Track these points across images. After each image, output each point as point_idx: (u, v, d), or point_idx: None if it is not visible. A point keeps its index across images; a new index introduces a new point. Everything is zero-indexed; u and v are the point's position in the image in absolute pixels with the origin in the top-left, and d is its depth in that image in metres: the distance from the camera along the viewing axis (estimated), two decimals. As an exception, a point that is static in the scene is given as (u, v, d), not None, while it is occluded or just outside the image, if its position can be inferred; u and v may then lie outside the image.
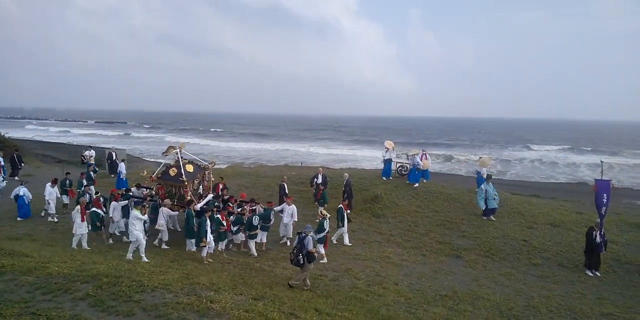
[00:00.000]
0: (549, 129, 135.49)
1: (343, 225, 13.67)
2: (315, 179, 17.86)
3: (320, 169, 18.97)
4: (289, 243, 13.81)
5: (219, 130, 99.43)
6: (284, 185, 16.99)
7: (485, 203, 15.55)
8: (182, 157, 14.29)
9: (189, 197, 13.40)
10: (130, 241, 11.33)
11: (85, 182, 17.53)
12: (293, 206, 14.03)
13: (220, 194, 15.04)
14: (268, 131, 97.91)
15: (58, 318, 5.47)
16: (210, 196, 14.11)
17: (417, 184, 18.59)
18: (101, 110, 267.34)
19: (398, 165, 20.13)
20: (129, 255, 10.89)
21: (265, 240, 13.42)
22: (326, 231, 12.00)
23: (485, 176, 18.53)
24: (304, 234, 9.73)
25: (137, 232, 11.11)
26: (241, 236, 13.13)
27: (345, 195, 16.76)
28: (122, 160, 22.21)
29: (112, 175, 23.01)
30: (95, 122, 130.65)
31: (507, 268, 12.61)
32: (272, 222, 13.47)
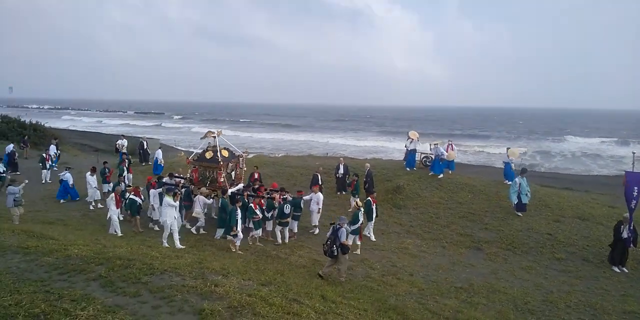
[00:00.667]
0: (594, 119, 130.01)
1: (371, 219, 13.41)
2: (338, 169, 17.94)
3: (342, 159, 18.99)
4: (316, 231, 13.97)
5: (248, 120, 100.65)
6: (317, 175, 17.00)
7: (518, 197, 14.96)
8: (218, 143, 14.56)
9: (222, 180, 13.71)
10: (165, 228, 11.44)
11: (125, 169, 18.41)
12: (320, 194, 14.13)
13: (252, 183, 15.34)
14: (298, 122, 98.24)
15: (69, 296, 5.75)
16: (240, 185, 14.50)
17: (441, 175, 18.32)
18: (140, 101, 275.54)
19: (422, 156, 19.86)
20: (165, 243, 11.08)
21: (296, 230, 13.55)
22: (360, 222, 11.89)
23: (514, 167, 18.11)
24: (338, 226, 9.62)
25: (170, 219, 11.27)
26: (269, 225, 13.25)
27: (367, 185, 16.71)
28: (159, 148, 23.09)
29: (144, 164, 23.80)
30: (135, 112, 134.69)
31: (529, 262, 12.31)
32: (302, 211, 13.54)
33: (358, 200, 11.99)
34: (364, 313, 7.12)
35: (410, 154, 19.40)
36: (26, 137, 26.07)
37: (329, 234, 9.88)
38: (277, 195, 13.54)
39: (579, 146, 54.22)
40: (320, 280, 9.25)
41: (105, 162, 18.73)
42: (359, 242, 12.11)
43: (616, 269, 11.80)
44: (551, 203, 16.01)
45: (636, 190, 12.24)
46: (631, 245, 11.93)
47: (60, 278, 6.56)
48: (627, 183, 12.36)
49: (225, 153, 14.47)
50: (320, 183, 16.40)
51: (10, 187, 13.24)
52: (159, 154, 21.69)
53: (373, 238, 13.55)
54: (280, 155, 26.87)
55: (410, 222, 15.08)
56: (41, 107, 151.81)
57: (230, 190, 13.50)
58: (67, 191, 17.14)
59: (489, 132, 76.02)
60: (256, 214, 12.34)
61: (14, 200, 12.89)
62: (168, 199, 11.45)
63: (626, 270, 11.77)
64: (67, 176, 17.13)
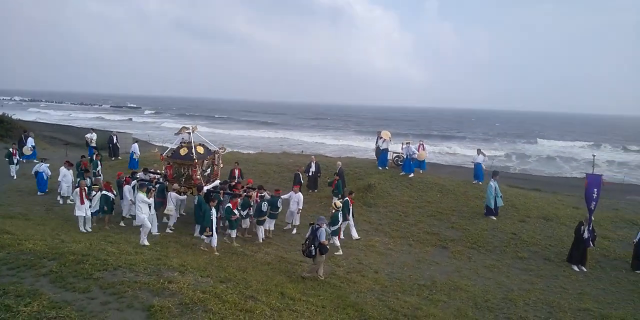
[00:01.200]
0: (570, 123, 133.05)
1: (348, 219, 13.18)
2: (309, 167, 17.94)
3: (314, 157, 18.98)
4: (294, 231, 13.82)
5: (224, 116, 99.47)
6: (298, 174, 16.85)
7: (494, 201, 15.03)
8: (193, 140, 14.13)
9: (198, 177, 13.41)
10: (143, 226, 10.97)
11: (99, 163, 17.91)
12: (300, 194, 13.96)
13: (228, 180, 15.04)
14: (276, 119, 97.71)
15: (14, 292, 5.59)
16: (217, 182, 14.16)
17: (412, 175, 18.49)
18: (117, 95, 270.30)
19: (394, 155, 20.02)
20: (143, 241, 10.64)
21: (272, 228, 13.36)
22: (340, 223, 11.86)
23: (484, 168, 18.43)
24: (317, 226, 9.55)
25: (143, 215, 10.99)
26: (246, 222, 13.04)
27: (329, 180, 16.80)
28: (136, 141, 22.78)
29: (113, 158, 23.35)
30: (110, 106, 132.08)
31: (492, 260, 12.52)
32: (279, 210, 13.33)
33: (337, 201, 11.85)
34: (322, 310, 7.13)
35: (382, 153, 19.51)
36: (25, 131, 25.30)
37: (307, 234, 9.79)
38: (254, 193, 13.31)
39: (552, 149, 55.40)
40: (282, 278, 9.21)
41: (83, 156, 18.15)
42: (338, 243, 12.00)
43: (575, 268, 12.10)
44: (518, 203, 16.32)
45: (595, 192, 12.58)
46: (590, 244, 12.27)
47: (8, 273, 6.38)
48: (587, 185, 12.69)
49: (201, 149, 14.09)
50: (301, 182, 16.29)
51: None
52: (135, 148, 21.40)
53: (355, 235, 13.47)
54: (254, 152, 26.67)
55: (379, 220, 15.18)
56: (11, 98, 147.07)
57: (206, 188, 13.18)
58: (41, 183, 16.70)
59: (465, 133, 77.18)
60: (234, 214, 12.03)
61: None
62: (141, 195, 11.15)
63: (585, 270, 12.08)
64: (44, 168, 16.81)
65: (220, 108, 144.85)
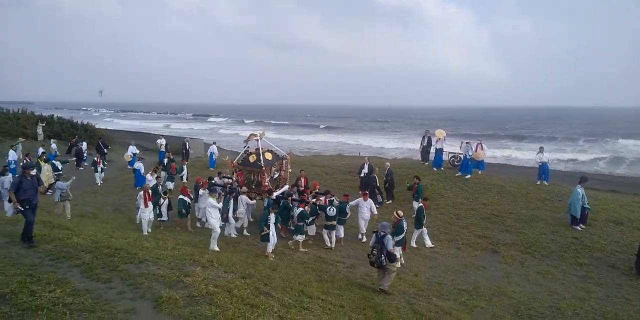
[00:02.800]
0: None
1: (420, 226, 12.77)
2: (362, 168, 17.77)
3: (367, 158, 18.79)
4: (364, 239, 13.26)
5: (286, 123, 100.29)
6: (374, 177, 16.28)
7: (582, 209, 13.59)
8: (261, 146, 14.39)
9: (266, 184, 13.62)
10: (213, 230, 10.95)
11: (185, 168, 19.22)
12: (370, 200, 13.39)
13: (297, 184, 14.97)
14: (344, 124, 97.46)
15: (46, 279, 6.12)
16: (286, 187, 14.31)
17: (469, 176, 17.72)
18: (195, 104, 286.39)
19: (450, 155, 19.29)
20: (213, 246, 10.63)
21: (342, 235, 12.88)
22: (404, 233, 10.99)
23: (550, 167, 17.29)
24: (382, 233, 8.99)
25: (214, 220, 10.94)
26: (313, 229, 12.95)
27: (387, 185, 16.49)
28: (214, 143, 25.31)
29: (180, 163, 24.76)
30: (193, 115, 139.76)
31: (547, 266, 11.63)
32: (347, 216, 12.93)
33: (399, 211, 11.09)
34: (339, 309, 7.04)
35: (437, 153, 18.88)
36: (76, 136, 27.83)
37: (372, 242, 9.22)
38: (322, 199, 13.22)
39: (631, 149, 49.73)
40: (311, 276, 9.20)
41: (172, 161, 19.34)
42: (398, 255, 10.77)
43: (645, 279, 10.89)
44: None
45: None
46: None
47: (48, 264, 6.98)
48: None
49: (269, 156, 14.27)
50: (377, 185, 16.04)
51: (58, 182, 13.76)
52: (214, 148, 23.68)
53: (430, 244, 12.88)
54: (308, 155, 26.98)
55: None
56: (95, 110, 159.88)
57: (275, 193, 13.31)
58: (139, 178, 18.52)
59: (542, 133, 72.22)
60: (307, 218, 12.08)
61: (60, 195, 13.33)
62: (211, 200, 11.07)
63: (656, 279, 10.85)
64: (139, 165, 19.28)
65: (288, 114, 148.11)
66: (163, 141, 25.06)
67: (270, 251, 10.80)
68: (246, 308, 5.82)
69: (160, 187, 14.63)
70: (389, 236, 9.01)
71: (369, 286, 9.28)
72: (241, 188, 13.52)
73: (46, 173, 18.22)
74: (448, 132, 21.08)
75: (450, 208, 15.51)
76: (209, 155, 23.85)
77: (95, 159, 21.16)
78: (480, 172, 18.27)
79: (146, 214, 12.64)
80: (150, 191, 13.26)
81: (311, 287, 8.04)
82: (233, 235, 12.98)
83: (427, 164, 19.74)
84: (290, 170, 15.44)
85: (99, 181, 20.58)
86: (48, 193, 15.04)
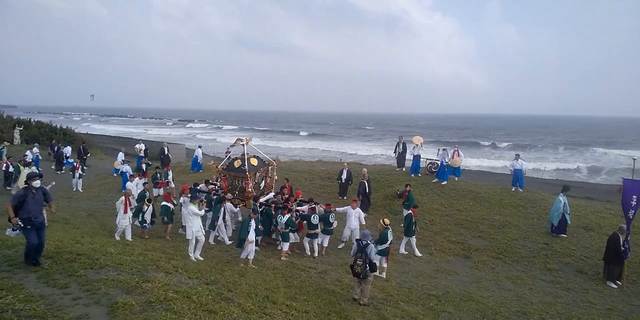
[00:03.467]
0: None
1: (411, 234, 12.66)
2: (341, 174, 17.78)
3: (346, 164, 18.85)
4: (341, 246, 13.11)
5: (269, 129, 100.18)
6: (364, 183, 15.93)
7: (563, 217, 13.65)
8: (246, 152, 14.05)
9: (250, 190, 13.33)
10: (191, 239, 10.50)
11: (170, 174, 18.59)
12: (359, 210, 13.03)
13: (281, 193, 14.52)
14: (328, 130, 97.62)
15: (0, 285, 6.00)
16: (271, 194, 13.98)
17: (445, 182, 17.88)
18: (181, 110, 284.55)
19: (428, 162, 19.46)
20: (192, 256, 10.30)
21: (326, 244, 12.60)
22: (389, 242, 10.65)
23: (525, 174, 17.56)
24: (364, 242, 8.68)
25: (195, 229, 10.49)
26: (295, 236, 12.58)
27: (367, 190, 16.54)
28: (199, 147, 25.16)
29: (165, 168, 24.45)
30: (179, 120, 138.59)
31: (517, 271, 11.77)
32: (333, 226, 12.59)
33: (386, 219, 10.82)
34: (302, 315, 7.02)
35: (415, 160, 19.03)
36: (54, 140, 27.42)
37: (354, 252, 8.85)
38: (306, 208, 13.04)
39: (611, 158, 50.75)
40: (280, 282, 9.18)
41: (157, 168, 18.70)
42: (385, 265, 10.86)
43: (612, 285, 11.05)
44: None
45: (635, 199, 11.49)
46: (626, 257, 11.20)
47: (6, 269, 6.85)
48: (624, 191, 11.63)
49: (254, 161, 13.98)
50: (367, 192, 15.71)
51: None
52: (199, 152, 23.69)
53: (418, 253, 12.73)
54: (288, 161, 26.96)
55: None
56: (78, 114, 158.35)
57: (261, 199, 13.10)
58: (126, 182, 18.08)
59: (524, 141, 73.38)
60: (294, 225, 11.95)
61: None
62: (192, 208, 10.62)
63: (621, 284, 11.04)
64: (127, 168, 19.67)
65: (274, 120, 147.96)
66: (142, 146, 24.79)
67: (251, 258, 10.48)
68: (204, 314, 5.77)
69: (147, 194, 14.11)
70: (372, 245, 8.73)
71: (337, 291, 9.26)
72: (225, 195, 13.20)
73: (24, 178, 17.83)
74: (429, 139, 21.31)
75: (425, 214, 15.57)
76: (193, 158, 23.97)
77: (75, 164, 20.76)
78: (457, 179, 18.43)
79: (126, 220, 12.16)
80: (130, 198, 12.71)
81: (278, 293, 8.01)
82: (211, 243, 12.61)
83: (404, 169, 19.86)
84: (276, 177, 15.18)
85: (76, 187, 20.07)
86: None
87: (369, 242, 8.72)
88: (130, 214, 12.38)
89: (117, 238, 12.06)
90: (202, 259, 10.40)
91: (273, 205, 12.76)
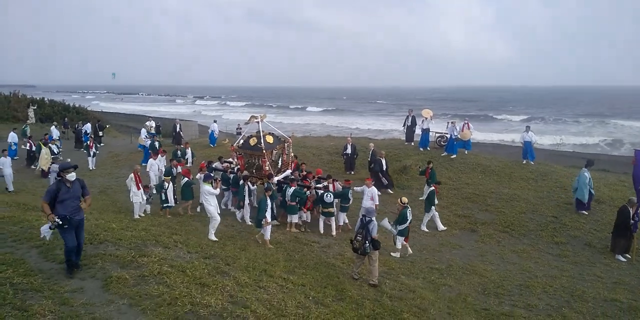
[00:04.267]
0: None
1: (430, 210, 12.54)
2: (345, 149, 17.66)
3: (349, 138, 18.65)
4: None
5: (292, 105, 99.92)
6: (380, 160, 15.43)
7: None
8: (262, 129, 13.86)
9: (267, 168, 13.26)
10: (211, 218, 10.31)
11: (189, 151, 18.50)
12: (374, 188, 12.44)
13: (300, 169, 14.42)
14: (337, 105, 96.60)
15: (2, 260, 6.15)
16: (288, 171, 13.83)
17: (454, 155, 17.64)
18: (198, 86, 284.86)
19: (437, 135, 19.17)
20: (211, 236, 10.09)
21: (342, 223, 12.46)
22: (409, 222, 10.39)
23: (534, 144, 17.16)
24: (367, 218, 8.50)
25: (212, 207, 10.28)
26: (306, 216, 12.60)
27: (372, 165, 16.41)
28: (215, 121, 25.58)
29: (184, 146, 24.45)
30: (194, 96, 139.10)
31: (524, 245, 11.67)
32: (350, 202, 12.43)
33: (404, 197, 10.45)
34: (298, 288, 7.06)
35: (424, 133, 18.75)
36: (66, 119, 27.75)
37: (357, 227, 8.69)
38: (329, 183, 12.85)
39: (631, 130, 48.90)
40: (281, 255, 9.23)
41: (179, 145, 18.53)
42: (406, 243, 10.70)
43: (621, 258, 10.87)
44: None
45: (647, 171, 11.18)
46: (636, 229, 10.97)
47: (10, 245, 7.00)
48: (636, 163, 11.30)
49: (270, 139, 13.73)
50: (383, 169, 15.27)
51: (53, 165, 13.18)
52: (215, 127, 24.03)
53: (442, 227, 12.68)
54: (299, 136, 26.86)
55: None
56: (89, 92, 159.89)
57: (277, 178, 12.96)
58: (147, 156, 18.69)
59: (540, 114, 71.70)
60: (302, 197, 11.81)
61: (55, 178, 12.97)
62: (207, 187, 10.37)
63: (630, 257, 10.86)
64: (148, 143, 20.57)
65: (286, 95, 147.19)
66: (152, 123, 24.95)
67: (267, 238, 10.33)
68: (196, 287, 5.84)
69: (174, 170, 14.13)
70: (375, 222, 8.50)
71: (338, 265, 9.28)
72: (242, 173, 13.07)
73: (44, 157, 18.18)
74: (442, 111, 20.87)
75: (433, 188, 15.44)
76: (209, 133, 24.20)
77: (88, 142, 20.92)
78: (466, 152, 18.16)
79: (138, 196, 12.05)
80: (139, 174, 12.55)
81: (277, 266, 8.07)
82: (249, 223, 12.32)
83: (412, 144, 19.61)
84: (292, 154, 14.94)
85: (91, 165, 20.19)
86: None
87: (372, 218, 8.51)
88: (142, 190, 12.15)
89: (137, 216, 11.92)
90: (216, 239, 10.01)
91: (291, 183, 12.33)
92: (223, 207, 13.80)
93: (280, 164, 14.26)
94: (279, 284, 6.98)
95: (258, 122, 13.90)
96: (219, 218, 10.36)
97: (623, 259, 10.84)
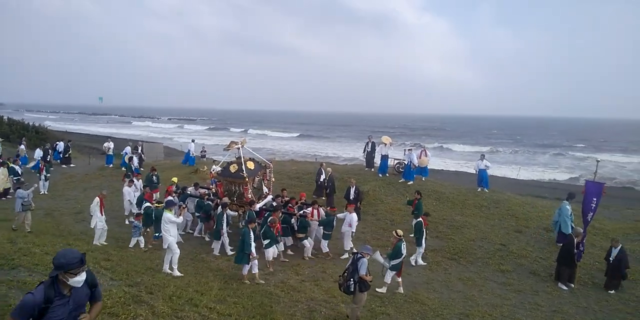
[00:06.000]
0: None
1: (420, 244, 11.84)
2: (321, 175, 17.00)
3: (324, 164, 18.37)
4: (345, 255, 12.14)
5: (260, 127, 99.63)
6: (350, 188, 15.03)
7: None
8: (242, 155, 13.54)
9: (249, 195, 12.82)
10: (168, 249, 9.59)
11: (155, 177, 17.06)
12: (354, 215, 12.28)
13: (282, 195, 13.91)
14: (312, 131, 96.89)
15: None
16: (270, 197, 13.39)
17: (411, 182, 17.74)
18: (169, 108, 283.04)
19: (395, 162, 19.33)
20: (165, 268, 9.43)
21: (325, 250, 12.25)
22: (403, 256, 9.84)
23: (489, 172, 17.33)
24: (359, 255, 8.00)
25: (172, 238, 9.57)
26: (289, 240, 12.33)
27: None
28: (193, 141, 26.18)
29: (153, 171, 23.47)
30: (168, 119, 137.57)
31: (470, 273, 11.62)
32: (332, 229, 12.29)
33: (399, 230, 9.95)
34: (224, 318, 6.78)
35: (383, 159, 18.86)
36: (23, 138, 26.89)
37: (348, 264, 8.17)
38: (309, 211, 12.52)
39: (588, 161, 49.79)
40: (218, 283, 8.92)
41: (153, 169, 17.30)
42: (399, 279, 10.12)
43: (563, 287, 10.93)
44: (519, 212, 15.22)
45: (594, 202, 11.42)
46: (579, 259, 11.11)
47: None
48: (585, 193, 11.54)
49: (251, 165, 13.47)
50: (355, 198, 14.69)
51: (19, 190, 12.42)
52: (191, 146, 24.42)
53: (419, 262, 12.00)
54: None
55: (364, 228, 14.52)
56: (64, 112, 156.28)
57: (258, 205, 12.46)
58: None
59: (506, 143, 73.74)
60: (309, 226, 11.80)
61: (22, 204, 12.16)
62: (169, 215, 9.71)
63: (573, 286, 10.94)
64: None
65: (260, 119, 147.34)
66: (111, 144, 24.37)
67: (255, 271, 9.80)
68: (104, 317, 5.51)
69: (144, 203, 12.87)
70: (365, 260, 7.93)
71: (276, 293, 9.01)
72: (221, 200, 12.55)
73: (0, 177, 17.37)
74: (405, 140, 21.08)
75: (387, 214, 15.46)
76: (186, 152, 24.66)
77: (39, 163, 19.94)
78: (424, 179, 18.32)
79: (102, 222, 11.61)
80: (104, 200, 11.99)
81: (207, 295, 7.78)
82: (216, 254, 11.79)
83: (372, 169, 19.68)
84: (273, 179, 14.61)
85: (43, 190, 18.66)
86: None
87: (362, 256, 8.00)
88: (104, 216, 11.72)
89: (98, 243, 11.43)
90: (181, 274, 9.34)
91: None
92: (197, 234, 13.44)
93: (264, 190, 13.94)
94: (202, 314, 6.68)
95: (239, 148, 13.60)
96: (178, 250, 9.63)
97: (565, 288, 10.90)
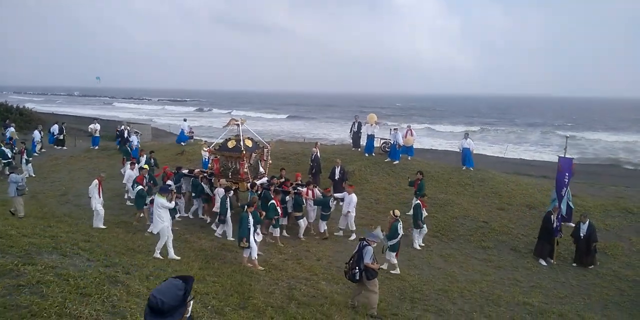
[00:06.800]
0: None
1: (418, 226, 11.90)
2: (313, 154, 16.83)
3: (318, 143, 18.29)
4: (352, 237, 12.23)
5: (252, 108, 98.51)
6: (334, 168, 15.16)
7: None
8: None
9: (245, 171, 12.87)
10: (162, 235, 9.47)
11: (143, 159, 16.79)
12: (353, 195, 12.30)
13: (281, 175, 13.92)
14: (298, 111, 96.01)
15: None
16: (265, 178, 13.48)
17: (397, 161, 17.77)
18: (158, 89, 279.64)
19: (382, 141, 19.31)
20: (157, 253, 9.29)
21: (322, 230, 12.33)
22: (400, 236, 9.98)
23: (474, 152, 17.40)
24: (365, 243, 7.79)
25: (164, 223, 9.43)
26: (284, 220, 12.33)
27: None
28: (184, 120, 26.26)
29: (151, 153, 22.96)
30: (158, 99, 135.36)
31: (451, 249, 11.81)
32: (331, 210, 12.40)
33: (396, 210, 9.99)
34: (200, 297, 6.80)
35: (369, 139, 18.83)
36: (7, 120, 26.40)
37: (354, 251, 7.99)
38: (304, 191, 12.57)
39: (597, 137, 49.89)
40: (199, 263, 8.97)
41: (152, 152, 17.05)
42: (394, 261, 10.14)
43: (543, 262, 11.13)
44: (502, 190, 15.35)
45: (567, 177, 11.53)
46: (559, 235, 11.28)
47: None
48: (558, 169, 11.65)
49: (249, 143, 13.49)
50: (341, 178, 14.77)
51: (12, 175, 12.19)
52: (184, 125, 24.39)
53: (418, 246, 11.97)
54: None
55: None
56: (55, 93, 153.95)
57: (258, 182, 12.50)
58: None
59: (498, 122, 73.81)
60: (277, 213, 11.31)
61: (17, 189, 11.94)
62: (162, 200, 9.51)
63: (553, 261, 11.14)
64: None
65: (248, 100, 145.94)
66: (97, 126, 24.05)
67: (254, 257, 9.52)
68: (75, 297, 5.49)
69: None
70: (370, 248, 7.69)
71: (256, 272, 9.08)
72: (218, 180, 12.54)
73: None
74: (392, 121, 20.97)
75: (372, 193, 15.53)
76: (180, 131, 24.57)
77: (20, 148, 19.47)
78: (409, 158, 18.35)
79: (100, 205, 11.56)
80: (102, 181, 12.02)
81: (186, 274, 7.78)
82: (218, 236, 11.82)
83: (359, 149, 19.66)
84: (270, 161, 14.63)
85: (28, 173, 17.70)
86: None
87: (368, 243, 7.80)
88: (102, 199, 11.65)
89: (101, 226, 11.41)
90: (178, 258, 9.27)
91: (271, 188, 11.97)
92: (191, 216, 13.45)
93: (257, 169, 13.95)
94: (179, 292, 6.71)
95: (238, 125, 13.64)
96: (170, 234, 9.52)
97: (545, 263, 11.10)
